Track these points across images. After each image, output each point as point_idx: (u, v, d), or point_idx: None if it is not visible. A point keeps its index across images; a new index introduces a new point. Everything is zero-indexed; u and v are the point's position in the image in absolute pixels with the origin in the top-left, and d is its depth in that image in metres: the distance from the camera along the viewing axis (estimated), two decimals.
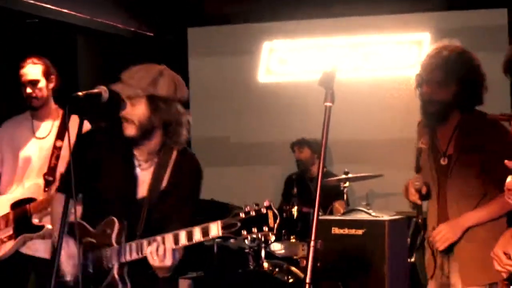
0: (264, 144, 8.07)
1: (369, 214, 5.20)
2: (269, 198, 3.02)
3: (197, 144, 7.15)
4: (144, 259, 3.21)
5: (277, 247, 6.10)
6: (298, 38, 8.04)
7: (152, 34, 7.55)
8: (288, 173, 7.28)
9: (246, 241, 2.99)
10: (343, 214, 5.83)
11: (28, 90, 4.71)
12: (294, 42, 8.07)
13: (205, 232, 3.06)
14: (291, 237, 6.08)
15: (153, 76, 3.30)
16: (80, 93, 3.05)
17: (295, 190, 6.38)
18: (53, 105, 4.85)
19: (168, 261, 3.12)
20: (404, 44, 7.60)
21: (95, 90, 3.10)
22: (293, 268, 5.86)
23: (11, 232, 4.72)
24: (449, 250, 3.78)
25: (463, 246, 3.73)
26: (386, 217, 5.03)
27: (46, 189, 4.71)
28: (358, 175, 6.34)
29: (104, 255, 3.29)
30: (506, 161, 2.94)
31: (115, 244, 3.27)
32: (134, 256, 3.23)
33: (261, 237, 3.10)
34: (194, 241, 3.08)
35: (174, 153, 3.43)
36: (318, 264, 5.38)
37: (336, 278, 5.30)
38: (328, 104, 2.97)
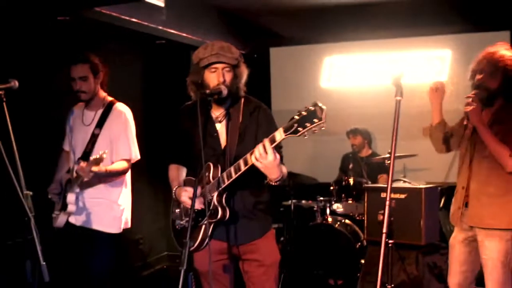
0: (327, 132, 8.01)
1: (409, 183, 5.20)
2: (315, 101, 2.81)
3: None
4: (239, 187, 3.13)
5: (338, 207, 6.15)
6: (351, 54, 7.95)
7: (244, 52, 7.58)
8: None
9: (306, 134, 2.73)
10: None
11: (76, 85, 4.08)
12: (347, 57, 7.98)
13: (272, 139, 2.86)
14: (349, 199, 6.16)
15: (236, 50, 3.22)
16: (208, 91, 3.10)
17: (351, 165, 6.42)
18: (100, 96, 4.20)
19: (271, 156, 2.86)
20: (431, 59, 7.51)
21: (218, 87, 3.11)
22: (350, 222, 5.98)
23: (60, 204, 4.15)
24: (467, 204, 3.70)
25: (477, 198, 3.65)
26: (422, 185, 5.01)
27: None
28: (398, 154, 6.34)
29: (206, 191, 3.15)
30: None
31: (212, 180, 3.16)
32: (226, 181, 3.10)
33: (315, 128, 2.74)
34: (276, 142, 2.85)
35: (242, 101, 3.30)
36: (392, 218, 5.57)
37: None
38: (398, 98, 2.92)
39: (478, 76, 3.60)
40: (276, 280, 3.35)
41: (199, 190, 3.07)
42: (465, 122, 3.82)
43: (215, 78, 3.16)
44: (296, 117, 2.78)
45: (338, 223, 5.92)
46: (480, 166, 3.65)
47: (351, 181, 6.15)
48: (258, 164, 2.91)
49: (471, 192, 3.68)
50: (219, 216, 3.13)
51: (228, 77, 3.18)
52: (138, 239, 6.80)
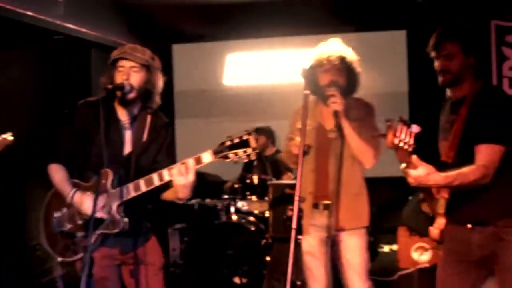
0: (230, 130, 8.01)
1: None
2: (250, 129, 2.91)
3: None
4: (142, 197, 3.07)
5: (243, 205, 6.16)
6: (253, 51, 8.04)
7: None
8: None
9: (235, 160, 2.82)
10: (293, 179, 5.83)
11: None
12: (250, 55, 8.06)
13: (198, 160, 2.90)
14: (253, 197, 6.17)
15: (150, 53, 3.21)
16: (109, 86, 3.07)
17: (255, 163, 6.43)
18: None
19: (191, 176, 2.92)
20: None
21: (120, 83, 3.07)
22: (254, 220, 5.96)
23: None
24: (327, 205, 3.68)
25: (339, 199, 3.65)
26: None
27: None
28: None
29: (101, 200, 3.05)
30: None
31: (110, 190, 3.07)
32: (133, 194, 3.05)
33: (246, 156, 2.82)
34: (202, 164, 2.90)
35: (149, 115, 3.25)
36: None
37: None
38: (307, 92, 2.97)
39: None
40: (162, 284, 3.34)
41: (102, 199, 3.04)
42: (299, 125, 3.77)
43: (121, 76, 3.12)
44: (228, 142, 2.85)
45: (243, 220, 5.91)
46: (336, 166, 3.65)
47: (255, 178, 6.16)
48: (175, 182, 2.94)
49: (331, 194, 3.65)
50: (119, 227, 3.09)
51: (136, 77, 3.13)
52: (35, 245, 6.55)
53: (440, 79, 3.07)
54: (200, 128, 8.00)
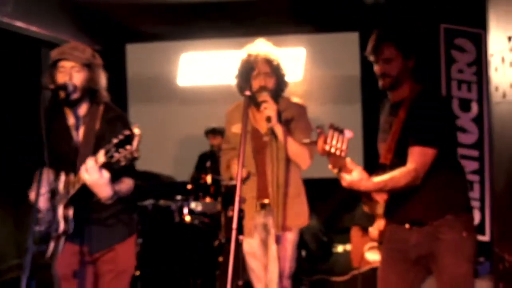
0: (185, 131, 8.04)
1: None
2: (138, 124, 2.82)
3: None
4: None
5: (196, 205, 6.16)
6: (206, 51, 8.03)
7: (98, 48, 7.38)
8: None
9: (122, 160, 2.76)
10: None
11: None
12: (203, 55, 8.05)
13: (96, 159, 2.86)
14: (206, 197, 6.17)
15: (90, 51, 3.20)
16: (51, 86, 3.06)
17: (209, 163, 6.42)
18: None
19: (94, 175, 2.86)
20: (286, 58, 7.66)
21: (63, 83, 3.07)
22: (208, 220, 5.97)
23: None
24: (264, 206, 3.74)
25: (280, 202, 3.70)
26: None
27: None
28: None
29: (55, 203, 3.11)
30: None
31: (60, 191, 3.11)
32: (71, 191, 3.05)
33: (126, 155, 2.74)
34: (98, 163, 2.85)
35: (101, 108, 3.24)
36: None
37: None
38: (248, 93, 3.06)
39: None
40: (128, 286, 3.36)
41: (45, 201, 3.08)
42: (237, 130, 3.75)
43: (62, 77, 3.11)
44: (115, 140, 2.79)
45: (196, 221, 5.91)
46: (274, 170, 3.68)
47: (208, 179, 6.15)
48: (86, 181, 2.92)
49: (271, 197, 3.70)
50: (60, 230, 3.07)
51: (78, 77, 3.13)
52: None
53: (380, 83, 3.08)
54: (154, 130, 7.88)
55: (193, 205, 6.14)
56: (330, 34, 7.74)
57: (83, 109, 3.24)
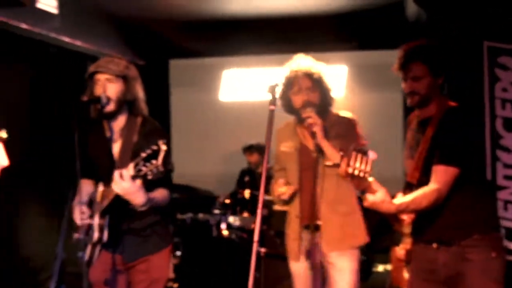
0: (225, 147, 8.09)
1: None
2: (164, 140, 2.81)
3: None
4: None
5: (233, 220, 6.17)
6: (248, 68, 8.13)
7: (142, 64, 7.49)
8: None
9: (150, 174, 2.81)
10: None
11: None
12: (245, 71, 8.15)
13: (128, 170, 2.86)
14: (244, 212, 6.18)
15: (125, 63, 3.23)
16: (85, 98, 3.13)
17: (247, 178, 6.47)
18: None
19: (127, 183, 2.86)
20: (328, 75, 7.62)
21: (96, 95, 3.11)
22: (245, 235, 5.96)
23: None
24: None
25: (330, 220, 3.57)
26: None
27: None
28: None
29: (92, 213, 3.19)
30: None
31: (97, 201, 3.19)
32: (104, 204, 3.10)
33: (153, 168, 2.77)
34: (130, 174, 2.85)
35: (139, 120, 3.26)
36: (264, 227, 5.55)
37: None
38: (272, 107, 2.96)
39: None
40: None
41: (87, 209, 3.15)
42: (287, 149, 3.73)
43: (98, 90, 3.15)
44: (143, 154, 2.80)
45: (233, 235, 5.93)
46: (325, 186, 3.53)
47: (246, 194, 6.18)
48: (116, 191, 2.93)
49: (323, 215, 3.53)
50: (95, 238, 3.13)
51: (113, 89, 3.16)
52: (28, 257, 6.53)
53: (408, 101, 3.05)
54: (196, 144, 8.04)
55: (231, 219, 6.15)
56: (373, 51, 7.68)
57: (120, 121, 3.27)
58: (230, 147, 7.94)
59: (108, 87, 3.15)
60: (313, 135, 3.45)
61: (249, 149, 7.04)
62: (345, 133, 3.61)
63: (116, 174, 2.88)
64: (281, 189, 3.57)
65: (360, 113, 7.29)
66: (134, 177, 2.85)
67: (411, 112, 3.24)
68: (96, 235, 3.12)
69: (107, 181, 3.12)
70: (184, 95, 8.27)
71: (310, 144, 3.62)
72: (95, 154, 3.25)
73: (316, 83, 3.57)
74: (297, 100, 3.58)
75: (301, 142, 3.71)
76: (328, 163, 3.16)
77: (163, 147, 2.76)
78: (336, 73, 7.75)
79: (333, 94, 3.65)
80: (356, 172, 2.62)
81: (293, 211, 3.67)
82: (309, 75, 3.56)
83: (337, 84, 7.43)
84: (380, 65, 7.49)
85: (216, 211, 6.17)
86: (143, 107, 3.29)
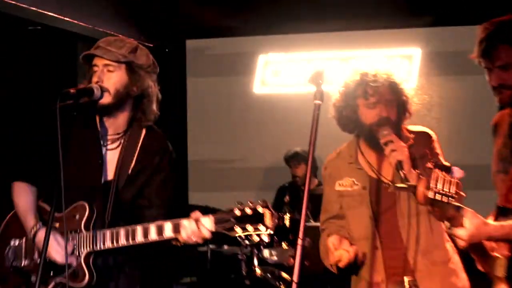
0: (259, 148, 8.01)
1: None
2: (265, 198, 2.88)
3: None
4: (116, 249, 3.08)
5: (269, 254, 6.03)
6: (292, 51, 7.99)
7: (151, 45, 7.42)
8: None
9: (241, 240, 2.94)
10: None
11: None
12: (288, 56, 8.01)
13: (196, 223, 2.88)
14: (283, 243, 6.03)
15: (131, 46, 3.18)
16: (72, 90, 2.99)
17: (287, 198, 6.40)
18: None
19: (207, 234, 2.89)
20: (395, 59, 7.56)
21: (87, 86, 3.05)
22: (285, 275, 5.82)
23: None
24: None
25: (427, 271, 3.44)
26: None
27: None
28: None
29: (71, 242, 3.09)
30: None
31: (83, 231, 3.09)
32: (108, 244, 3.05)
33: (256, 236, 2.82)
34: (180, 233, 2.90)
35: (143, 132, 3.24)
36: (306, 263, 5.20)
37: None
38: (317, 102, 2.83)
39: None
40: None
41: (71, 241, 3.09)
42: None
43: (95, 78, 3.13)
44: (237, 212, 2.81)
45: (269, 275, 5.78)
46: (412, 230, 3.42)
47: (286, 219, 5.86)
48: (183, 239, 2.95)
49: (419, 267, 3.38)
50: (85, 281, 3.08)
51: (111, 78, 3.11)
52: None
53: (496, 96, 2.94)
54: (220, 152, 7.93)
55: (266, 253, 6.01)
56: (453, 27, 7.54)
57: (120, 121, 3.20)
58: (266, 154, 7.89)
59: (105, 76, 3.10)
60: (399, 166, 3.25)
61: (294, 158, 6.90)
62: (424, 154, 3.45)
63: (193, 218, 2.89)
64: (339, 252, 3.34)
65: (438, 109, 7.13)
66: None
67: (499, 112, 3.18)
68: (87, 277, 3.07)
69: (89, 200, 3.11)
70: (205, 86, 8.16)
71: (386, 174, 3.46)
72: (74, 155, 3.13)
73: (396, 95, 3.44)
74: (370, 114, 3.38)
75: (367, 174, 3.53)
76: (400, 185, 3.07)
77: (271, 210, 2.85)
78: (406, 57, 7.68)
79: (410, 106, 3.54)
80: (438, 197, 2.54)
81: (376, 270, 3.46)
82: (391, 85, 3.41)
83: (407, 71, 7.34)
84: (462, 44, 7.26)
85: (246, 242, 5.88)
86: (153, 109, 3.21)
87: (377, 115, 3.36)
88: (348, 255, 3.30)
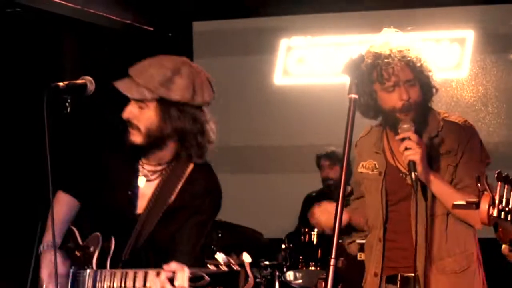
0: (281, 152, 8.10)
1: None
2: (247, 253, 2.87)
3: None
4: None
5: (293, 277, 6.16)
6: (320, 35, 8.05)
7: (151, 29, 7.50)
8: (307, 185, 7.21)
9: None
10: None
11: None
12: (314, 40, 8.09)
13: (171, 279, 2.85)
14: (310, 264, 6.18)
15: (167, 74, 3.13)
16: (61, 83, 3.03)
17: None
18: None
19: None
20: (443, 44, 7.54)
21: (79, 81, 3.08)
22: None
23: None
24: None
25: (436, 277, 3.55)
26: None
27: None
28: None
29: (81, 276, 3.19)
30: None
31: (94, 267, 3.17)
32: (106, 285, 3.12)
33: None
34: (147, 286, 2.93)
35: (190, 166, 3.26)
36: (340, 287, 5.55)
37: None
38: (353, 96, 2.85)
39: None
40: None
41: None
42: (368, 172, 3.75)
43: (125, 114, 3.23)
44: (212, 267, 2.79)
45: None
46: (422, 228, 3.52)
47: (314, 235, 5.98)
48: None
49: (425, 272, 3.51)
50: None
51: (141, 115, 3.17)
52: None
53: None
54: (234, 154, 7.95)
55: (289, 276, 6.14)
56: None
57: (165, 151, 3.24)
58: (290, 156, 8.01)
59: (138, 112, 3.18)
60: (411, 166, 3.39)
61: (328, 158, 7.03)
62: (451, 149, 3.54)
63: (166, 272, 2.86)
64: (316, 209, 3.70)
65: (494, 101, 7.16)
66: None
67: None
68: None
69: (118, 233, 3.19)
70: (217, 77, 7.86)
71: (402, 164, 3.59)
72: (111, 182, 3.29)
73: (417, 73, 3.52)
74: (390, 99, 3.52)
75: (386, 160, 3.70)
76: (459, 202, 2.97)
77: (247, 261, 2.83)
78: (457, 41, 7.75)
79: (435, 82, 3.62)
80: (503, 216, 2.53)
81: (372, 266, 3.67)
82: (408, 63, 3.50)
83: (457, 57, 7.34)
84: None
85: (266, 262, 5.99)
86: (201, 145, 3.22)
87: (398, 99, 3.47)
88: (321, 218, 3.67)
